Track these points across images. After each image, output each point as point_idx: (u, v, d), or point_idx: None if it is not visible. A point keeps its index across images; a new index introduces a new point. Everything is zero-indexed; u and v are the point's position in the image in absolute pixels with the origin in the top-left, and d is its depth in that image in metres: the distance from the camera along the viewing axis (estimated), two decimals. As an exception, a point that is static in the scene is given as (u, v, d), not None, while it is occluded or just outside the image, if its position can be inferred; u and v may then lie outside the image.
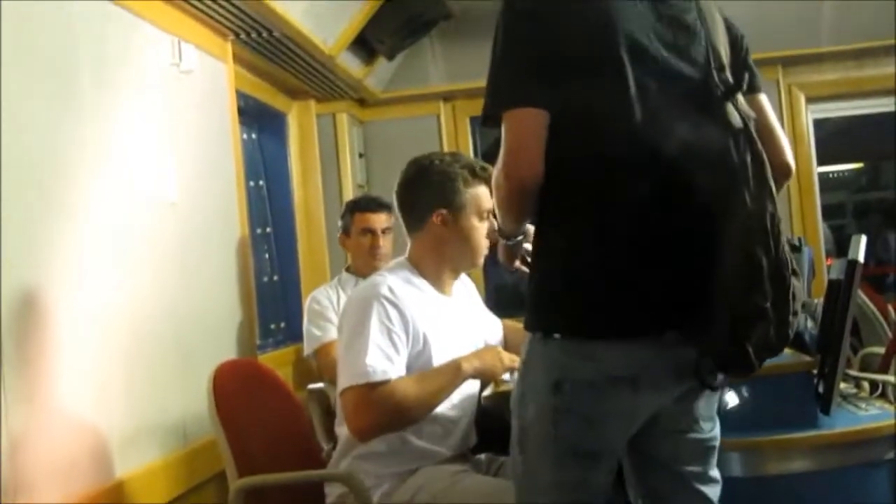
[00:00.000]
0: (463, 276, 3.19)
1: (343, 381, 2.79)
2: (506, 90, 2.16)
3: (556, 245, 2.19)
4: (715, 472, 2.31)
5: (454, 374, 2.87)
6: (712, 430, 2.29)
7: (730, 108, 2.12)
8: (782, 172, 2.26)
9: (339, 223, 4.60)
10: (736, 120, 2.10)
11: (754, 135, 2.08)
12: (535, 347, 2.21)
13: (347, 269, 4.59)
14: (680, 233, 2.10)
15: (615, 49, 2.12)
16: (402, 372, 2.80)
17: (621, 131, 2.12)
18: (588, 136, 2.13)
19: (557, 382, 2.15)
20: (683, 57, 2.17)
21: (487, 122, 2.18)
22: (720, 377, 2.18)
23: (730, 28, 2.28)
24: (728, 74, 2.17)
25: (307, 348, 4.38)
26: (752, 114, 2.14)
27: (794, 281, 2.07)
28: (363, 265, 4.41)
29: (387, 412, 2.76)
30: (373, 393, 2.74)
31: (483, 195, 2.97)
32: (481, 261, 3.07)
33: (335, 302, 4.35)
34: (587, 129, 2.13)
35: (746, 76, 2.23)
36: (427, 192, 2.99)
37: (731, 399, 2.23)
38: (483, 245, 3.00)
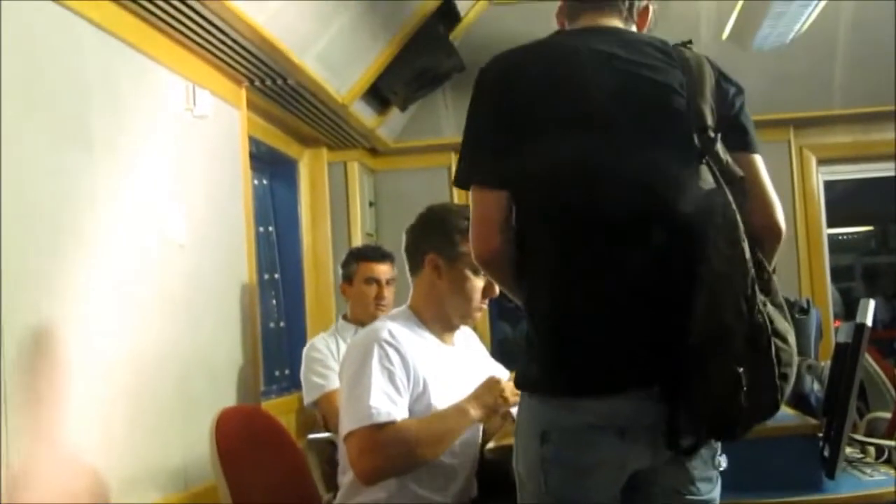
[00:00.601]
0: (465, 328, 3.18)
1: (347, 426, 2.77)
2: (468, 165, 2.25)
3: (535, 307, 2.23)
4: None
5: (461, 416, 2.85)
6: (711, 492, 2.25)
7: (704, 169, 2.12)
8: (772, 234, 2.23)
9: (341, 271, 4.58)
10: (709, 182, 2.10)
11: (728, 197, 2.06)
12: (523, 403, 2.25)
13: (345, 318, 4.56)
14: (652, 294, 2.10)
15: (580, 114, 2.17)
16: (406, 414, 2.79)
17: (587, 197, 2.14)
18: (555, 203, 2.17)
19: (544, 433, 2.16)
20: (656, 119, 2.18)
21: (459, 187, 2.32)
22: (693, 441, 2.14)
23: (721, 84, 2.24)
24: (710, 133, 2.16)
25: (308, 397, 4.34)
26: (739, 173, 2.14)
27: (779, 344, 2.03)
28: (364, 314, 4.40)
29: (393, 453, 2.75)
30: (379, 434, 2.73)
31: None
32: (475, 315, 3.04)
33: (335, 350, 4.34)
34: (554, 197, 2.17)
35: (738, 134, 2.23)
36: (424, 237, 3.02)
37: (723, 462, 2.19)
38: (476, 299, 2.97)
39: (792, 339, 2.08)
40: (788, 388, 2.08)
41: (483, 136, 2.23)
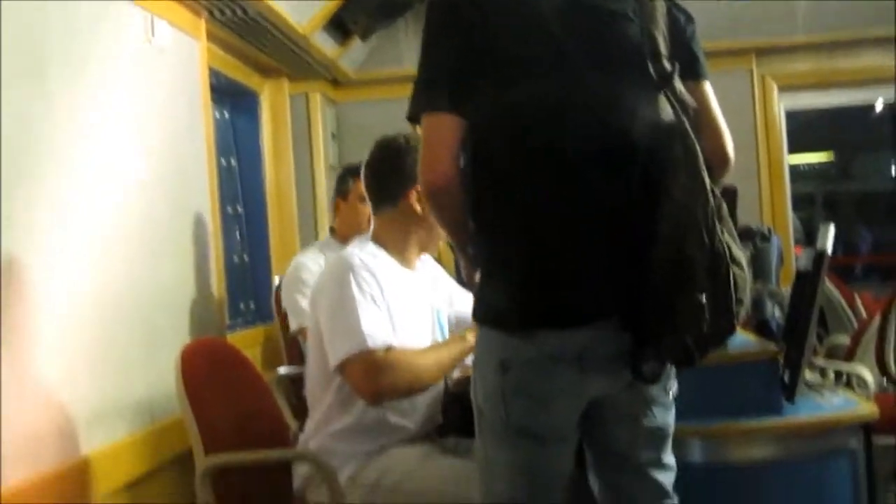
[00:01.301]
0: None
1: (340, 354, 2.78)
2: (422, 93, 2.21)
3: (491, 241, 2.23)
4: (669, 459, 2.31)
5: (462, 346, 2.91)
6: (666, 418, 2.28)
7: (662, 99, 2.12)
8: (721, 163, 2.24)
9: (336, 186, 4.41)
10: (667, 112, 2.10)
11: (687, 127, 2.06)
12: (481, 335, 2.26)
13: (332, 233, 4.44)
14: (611, 226, 2.10)
15: (535, 45, 2.15)
16: (393, 335, 2.82)
17: (546, 129, 2.13)
18: (512, 135, 2.15)
19: (502, 363, 2.17)
20: (611, 48, 2.17)
21: (411, 122, 2.25)
22: (655, 368, 2.16)
23: (672, 12, 2.23)
24: (665, 63, 2.15)
25: (295, 323, 4.18)
26: (692, 103, 2.14)
27: (736, 271, 2.05)
28: (356, 232, 4.25)
29: (395, 376, 2.78)
30: (381, 358, 2.76)
31: None
32: (438, 244, 3.10)
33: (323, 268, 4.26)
34: (511, 128, 2.15)
35: (689, 62, 2.23)
36: (404, 171, 2.99)
37: (674, 387, 2.21)
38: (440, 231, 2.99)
39: (746, 264, 2.10)
40: (743, 312, 2.11)
41: (437, 65, 2.20)
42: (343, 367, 2.79)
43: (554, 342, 2.12)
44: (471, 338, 2.87)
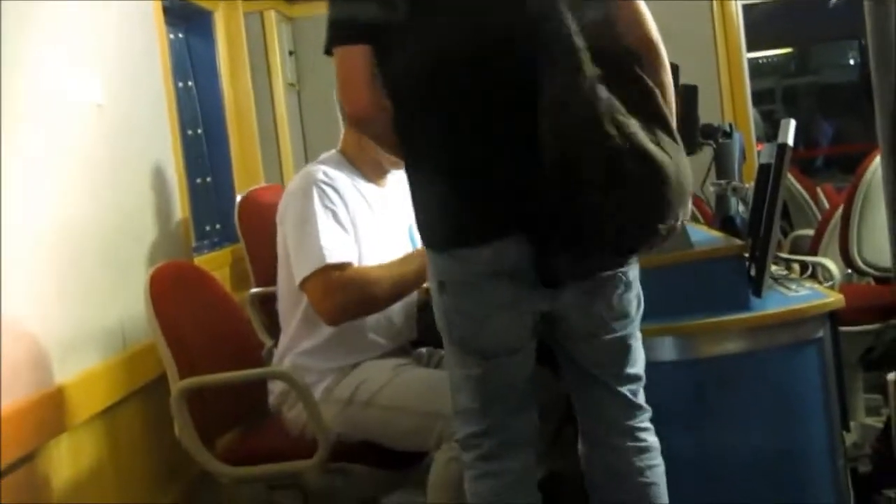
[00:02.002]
0: None
1: (302, 271, 2.80)
2: (330, 27, 2.24)
3: (412, 164, 2.28)
4: (633, 369, 2.33)
5: (420, 258, 2.88)
6: (626, 329, 2.29)
7: None
8: (644, 48, 2.16)
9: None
10: (536, 7, 2.06)
11: (562, 19, 2.02)
12: (427, 255, 2.30)
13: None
14: (511, 138, 2.10)
15: None
16: (356, 251, 2.82)
17: (439, 46, 2.14)
18: (411, 55, 2.17)
19: (440, 284, 2.24)
20: None
21: (327, 55, 2.27)
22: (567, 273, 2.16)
23: None
24: None
25: None
26: None
27: (650, 163, 1.98)
28: None
29: (357, 292, 2.79)
30: (340, 274, 2.77)
31: None
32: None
33: None
34: (409, 49, 2.16)
35: None
36: None
37: (626, 297, 2.23)
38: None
39: (667, 157, 2.01)
40: (674, 209, 2.03)
41: None
42: (304, 285, 2.80)
43: (480, 259, 2.15)
44: None
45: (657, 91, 2.06)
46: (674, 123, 2.08)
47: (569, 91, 1.97)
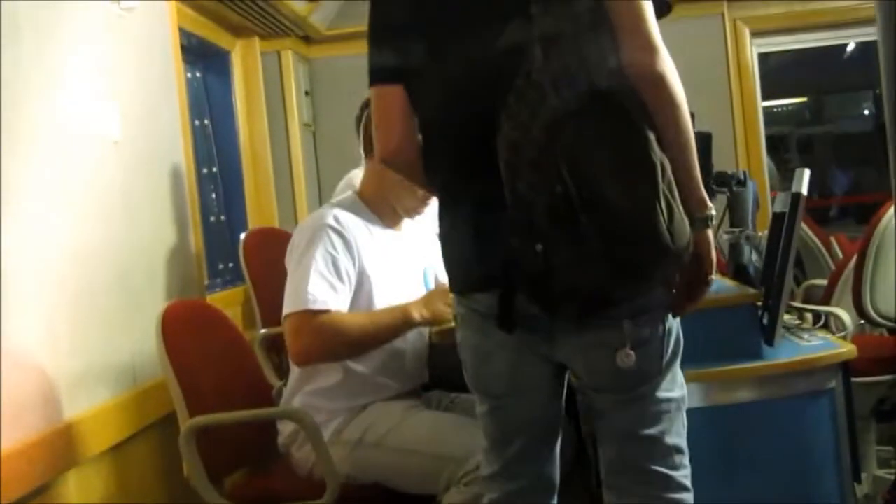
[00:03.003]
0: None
1: (285, 308, 2.83)
2: (369, 67, 2.20)
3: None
4: (650, 431, 2.15)
5: (402, 318, 2.89)
6: (635, 390, 2.13)
7: (510, 28, 1.96)
8: (641, 79, 1.93)
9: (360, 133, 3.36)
10: (513, 39, 1.95)
11: (534, 52, 1.89)
12: None
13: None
14: (491, 182, 1.97)
15: (408, 12, 2.14)
16: (345, 301, 2.82)
17: (430, 98, 2.13)
18: (424, 103, 2.15)
19: (454, 318, 2.26)
20: None
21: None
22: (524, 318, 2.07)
23: None
24: None
25: None
26: (557, 27, 1.92)
27: (607, 214, 1.82)
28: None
29: (326, 338, 2.80)
30: (313, 319, 2.78)
31: None
32: (420, 210, 3.04)
33: None
34: (424, 96, 2.15)
35: None
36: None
37: (626, 360, 2.12)
38: (420, 195, 2.96)
39: (635, 209, 1.83)
40: (636, 267, 1.91)
41: (375, 32, 2.20)
42: (283, 322, 2.82)
43: (479, 301, 2.14)
44: (416, 314, 2.88)
45: (649, 135, 1.87)
46: (692, 156, 1.98)
47: (522, 131, 1.87)
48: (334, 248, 2.83)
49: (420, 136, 2.18)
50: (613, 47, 1.94)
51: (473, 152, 2.03)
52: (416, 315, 2.89)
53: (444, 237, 2.21)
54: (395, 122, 2.16)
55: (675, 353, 2.16)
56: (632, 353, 2.04)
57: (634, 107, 1.91)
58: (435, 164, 2.18)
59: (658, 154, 1.87)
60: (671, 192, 1.88)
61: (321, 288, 2.78)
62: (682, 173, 1.95)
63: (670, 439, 2.17)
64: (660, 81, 1.94)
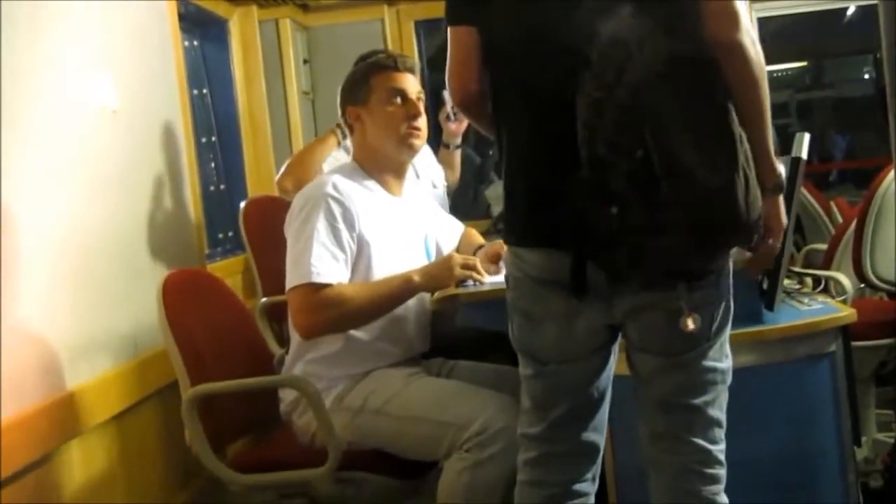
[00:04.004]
0: (423, 179, 3.19)
1: (289, 281, 2.82)
2: (446, 7, 2.22)
3: (500, 157, 2.24)
4: (696, 400, 2.15)
5: (404, 284, 2.89)
6: (682, 355, 2.12)
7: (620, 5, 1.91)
8: (720, 49, 1.93)
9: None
10: (589, 6, 1.92)
11: (621, 10, 1.87)
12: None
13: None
14: (554, 142, 2.03)
15: None
16: (346, 271, 2.83)
17: (512, 60, 2.14)
18: (493, 66, 2.17)
19: (506, 278, 2.24)
20: None
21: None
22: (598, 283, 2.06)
23: None
24: None
25: None
26: None
27: (690, 178, 1.82)
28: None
29: (331, 312, 2.79)
30: (318, 293, 2.77)
31: (391, 78, 3.00)
32: (411, 141, 2.99)
33: None
34: (492, 60, 2.17)
35: None
36: (342, 96, 3.09)
37: (690, 323, 2.10)
38: (399, 125, 2.96)
39: (713, 177, 1.84)
40: (713, 237, 1.92)
41: None
42: (288, 295, 2.82)
43: (539, 265, 2.12)
44: (417, 278, 2.88)
45: (729, 106, 1.90)
46: (767, 134, 1.99)
47: (605, 91, 1.84)
48: (334, 217, 2.82)
49: (490, 89, 2.19)
50: (697, 14, 1.93)
51: (547, 111, 2.04)
52: (418, 279, 2.89)
53: (508, 189, 2.19)
54: (472, 68, 2.20)
55: (724, 320, 2.16)
56: (697, 316, 2.04)
57: (716, 76, 1.92)
58: (505, 117, 2.18)
59: (737, 125, 1.89)
60: (748, 163, 1.90)
61: (323, 260, 2.78)
62: (756, 145, 1.97)
63: (712, 411, 2.18)
64: (739, 50, 1.94)
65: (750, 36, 1.96)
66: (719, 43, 1.93)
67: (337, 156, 3.83)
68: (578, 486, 2.29)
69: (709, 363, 2.15)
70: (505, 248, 2.26)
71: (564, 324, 2.15)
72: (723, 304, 2.13)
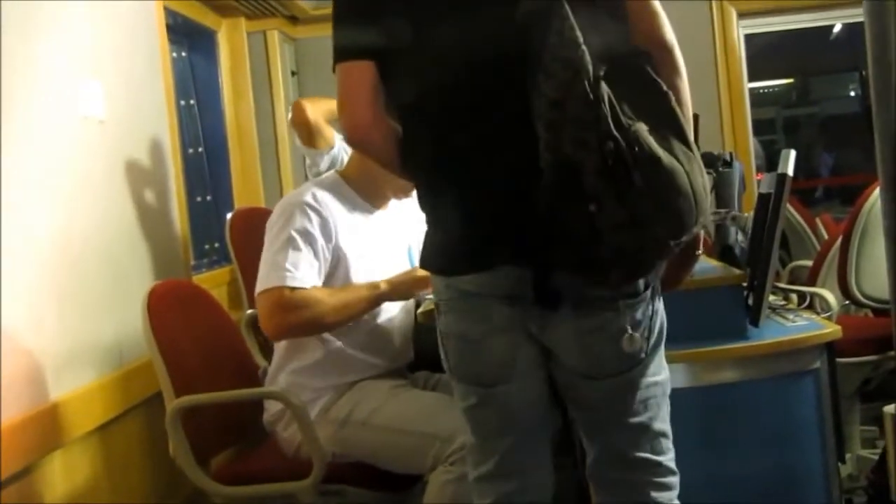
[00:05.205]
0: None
1: (260, 284, 2.84)
2: (334, 44, 2.13)
3: (416, 188, 2.21)
4: (638, 419, 2.14)
5: (371, 291, 2.90)
6: (624, 374, 2.10)
7: None
8: (657, 49, 2.00)
9: None
10: (525, 14, 1.90)
11: (554, 23, 1.83)
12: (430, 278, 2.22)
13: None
14: (502, 156, 1.98)
15: None
16: (318, 279, 2.84)
17: (429, 67, 2.06)
18: (408, 77, 2.08)
19: (437, 306, 2.18)
20: None
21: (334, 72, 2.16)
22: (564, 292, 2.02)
23: None
24: None
25: None
26: None
27: (661, 169, 1.81)
28: None
29: (300, 313, 2.81)
30: (287, 296, 2.79)
31: None
32: (410, 192, 2.94)
33: None
34: (406, 72, 2.08)
35: None
36: None
37: (631, 343, 2.10)
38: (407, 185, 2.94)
39: (678, 165, 1.83)
40: (685, 223, 1.87)
41: (342, 7, 2.15)
42: (258, 298, 2.83)
43: (476, 283, 2.07)
44: (383, 286, 2.89)
45: (671, 94, 1.91)
46: (690, 131, 1.94)
47: (564, 89, 1.81)
48: (311, 224, 2.84)
49: (398, 117, 2.13)
50: (625, 11, 1.99)
51: (490, 124, 2.00)
52: (385, 286, 2.90)
53: (435, 219, 2.14)
54: (365, 100, 2.09)
55: (660, 335, 2.15)
56: (636, 335, 2.04)
57: (654, 67, 1.95)
58: (423, 144, 2.11)
59: (679, 113, 1.92)
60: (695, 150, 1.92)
61: (294, 264, 2.80)
62: None
63: (657, 425, 2.17)
64: (670, 47, 2.03)
65: (671, 33, 2.04)
66: (652, 40, 2.01)
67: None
68: None
69: (650, 378, 2.14)
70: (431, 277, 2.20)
71: (509, 339, 2.09)
72: (658, 318, 2.13)
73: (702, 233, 2.08)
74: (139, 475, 3.25)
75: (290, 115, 4.36)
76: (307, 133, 3.97)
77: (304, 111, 3.94)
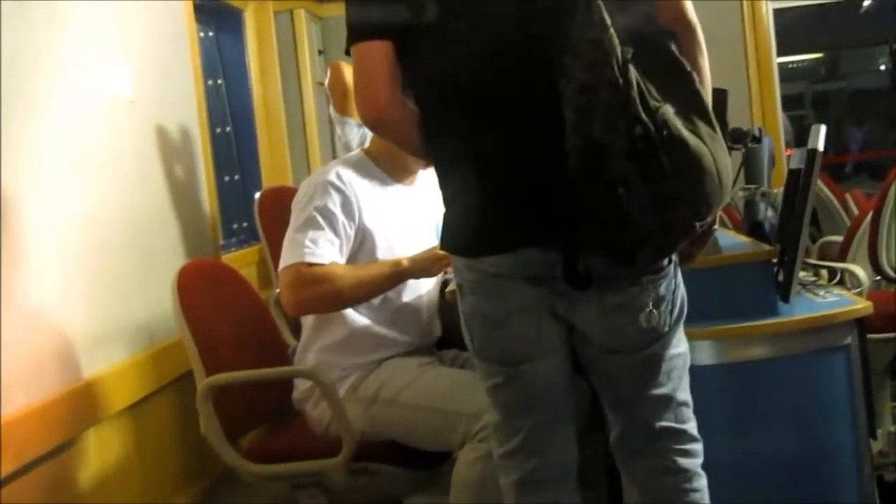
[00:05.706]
0: None
1: (281, 262, 2.84)
2: (349, 24, 2.10)
3: (437, 170, 2.20)
4: (662, 390, 2.16)
5: (393, 268, 2.89)
6: (652, 346, 2.13)
7: None
8: (680, 28, 2.02)
9: None
10: None
11: (581, 5, 1.81)
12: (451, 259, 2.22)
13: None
14: (528, 138, 1.98)
15: None
16: (340, 257, 2.84)
17: (453, 47, 2.03)
18: (431, 57, 2.05)
19: (460, 287, 2.17)
20: None
21: (349, 55, 2.13)
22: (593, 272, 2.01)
23: None
24: None
25: None
26: None
27: (686, 153, 1.81)
28: None
29: (320, 288, 2.80)
30: (304, 271, 2.79)
31: None
32: None
33: None
34: (428, 52, 2.05)
35: None
36: None
37: (652, 319, 2.11)
38: None
39: (704, 147, 1.85)
40: (711, 204, 1.89)
41: None
42: (280, 274, 2.84)
43: (499, 264, 2.06)
44: (405, 263, 2.89)
45: (695, 75, 1.92)
46: (711, 110, 1.94)
47: (593, 72, 1.79)
48: (334, 203, 2.84)
49: (416, 99, 2.11)
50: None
51: (516, 107, 1.99)
52: (406, 263, 2.89)
53: (455, 201, 2.13)
54: (383, 81, 2.06)
55: (682, 309, 2.16)
56: (656, 311, 2.06)
57: (678, 47, 1.97)
58: (443, 126, 2.10)
59: (703, 94, 1.94)
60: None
61: (313, 241, 2.80)
62: None
63: (680, 395, 2.19)
64: (694, 26, 2.05)
65: (693, 11, 2.06)
66: (675, 18, 2.04)
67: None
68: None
69: (672, 351, 2.16)
70: (452, 259, 2.19)
71: (533, 318, 2.10)
72: (679, 292, 2.15)
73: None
74: (171, 453, 3.27)
75: (327, 79, 4.37)
76: (342, 97, 3.96)
77: (342, 73, 3.93)
